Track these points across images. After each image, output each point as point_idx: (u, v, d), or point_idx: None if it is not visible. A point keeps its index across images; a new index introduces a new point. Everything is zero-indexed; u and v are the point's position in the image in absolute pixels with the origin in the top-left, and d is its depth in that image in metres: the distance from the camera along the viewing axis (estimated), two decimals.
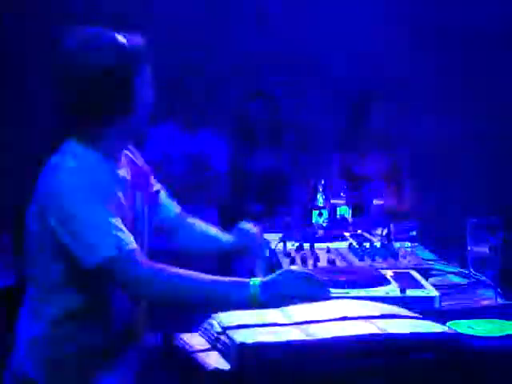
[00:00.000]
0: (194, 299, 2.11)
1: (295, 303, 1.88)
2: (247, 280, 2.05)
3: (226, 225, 4.52)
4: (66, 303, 2.19)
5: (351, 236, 3.00)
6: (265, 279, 2.03)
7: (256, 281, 2.02)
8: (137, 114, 2.23)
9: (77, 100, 2.20)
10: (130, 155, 2.37)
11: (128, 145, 2.33)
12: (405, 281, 2.17)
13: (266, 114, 4.68)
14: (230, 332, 1.59)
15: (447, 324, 1.82)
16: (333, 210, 3.27)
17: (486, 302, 2.17)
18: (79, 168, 2.16)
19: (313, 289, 1.99)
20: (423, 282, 2.19)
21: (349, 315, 1.70)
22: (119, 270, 2.08)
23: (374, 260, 2.50)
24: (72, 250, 2.09)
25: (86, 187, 2.13)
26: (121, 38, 2.21)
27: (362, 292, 2.03)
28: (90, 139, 2.21)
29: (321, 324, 1.65)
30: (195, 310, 2.29)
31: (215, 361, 1.56)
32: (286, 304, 1.86)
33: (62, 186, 2.12)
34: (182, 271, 2.10)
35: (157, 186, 2.51)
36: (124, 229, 2.12)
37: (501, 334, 1.81)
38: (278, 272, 2.06)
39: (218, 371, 1.52)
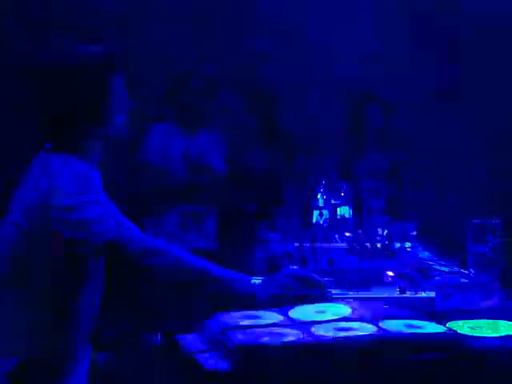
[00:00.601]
0: (192, 279, 2.14)
1: (295, 304, 1.89)
2: (249, 278, 2.06)
3: (226, 226, 4.53)
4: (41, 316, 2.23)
5: (351, 236, 3.00)
6: (265, 280, 2.04)
7: (257, 280, 2.03)
8: (113, 124, 2.28)
9: (51, 113, 2.26)
10: None
11: (103, 151, 2.37)
12: (405, 281, 2.17)
13: (266, 115, 4.68)
14: (229, 333, 1.59)
15: (447, 324, 1.81)
16: (333, 210, 3.26)
17: (486, 303, 2.17)
18: (71, 166, 2.21)
19: (313, 290, 2.00)
20: (424, 282, 2.19)
21: (349, 316, 1.70)
22: (123, 246, 2.14)
23: (374, 260, 2.50)
24: (77, 237, 2.14)
25: (80, 180, 2.19)
26: (94, 52, 2.26)
27: (363, 292, 2.03)
28: (67, 148, 2.25)
29: (321, 325, 1.65)
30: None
31: (215, 361, 1.56)
32: (286, 304, 1.87)
33: (57, 183, 2.17)
34: (185, 252, 2.14)
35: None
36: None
37: (501, 335, 1.81)
38: (278, 273, 2.07)
39: (217, 372, 1.52)
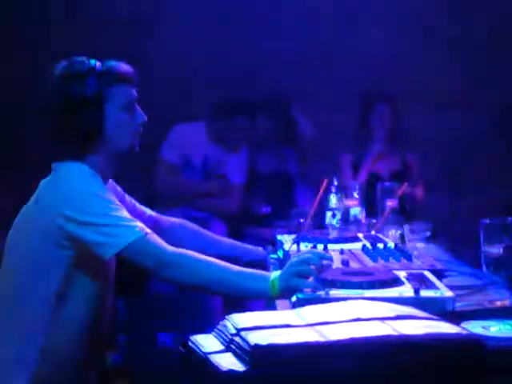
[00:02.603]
0: (213, 287, 2.19)
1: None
2: (267, 273, 2.17)
3: (237, 228, 4.52)
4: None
5: (364, 237, 2.99)
6: (280, 272, 2.13)
7: (275, 274, 2.12)
8: (111, 136, 2.31)
9: (52, 127, 2.34)
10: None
11: (114, 166, 2.40)
12: (419, 282, 2.16)
13: (277, 120, 4.65)
14: (244, 333, 1.59)
15: (461, 325, 1.81)
16: (346, 210, 3.26)
17: (500, 303, 2.16)
18: (86, 175, 2.28)
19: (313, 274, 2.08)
20: (437, 282, 2.18)
21: (363, 316, 1.70)
22: (144, 252, 2.17)
23: (387, 261, 2.50)
24: (93, 244, 2.17)
25: (97, 188, 2.25)
26: (91, 66, 2.30)
27: (376, 293, 2.03)
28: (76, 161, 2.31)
29: (335, 325, 1.65)
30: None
31: (229, 362, 1.56)
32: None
33: (74, 190, 2.23)
34: (203, 257, 2.16)
35: (131, 200, 2.62)
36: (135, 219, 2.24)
37: None
38: (288, 264, 2.15)
39: (232, 373, 1.52)
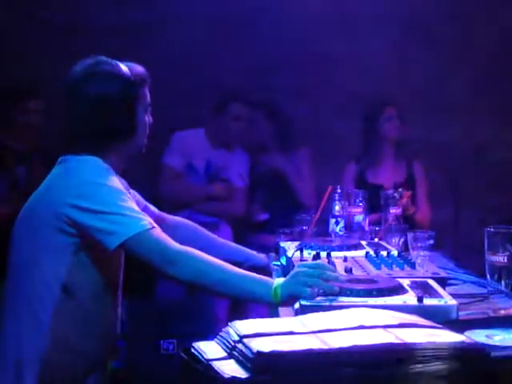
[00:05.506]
0: (216, 287, 2.18)
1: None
2: (270, 280, 2.16)
3: (241, 235, 4.52)
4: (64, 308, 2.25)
5: (368, 245, 2.99)
6: (283, 280, 2.12)
7: (278, 282, 2.11)
8: (137, 136, 2.36)
9: (79, 125, 2.31)
10: None
11: (124, 164, 2.42)
12: (422, 290, 2.16)
13: (275, 125, 4.64)
14: (246, 340, 1.59)
15: (465, 333, 1.80)
16: (349, 218, 3.26)
17: (504, 312, 2.16)
18: (98, 166, 2.30)
19: (323, 286, 2.05)
20: (441, 291, 2.18)
21: (366, 324, 1.69)
22: (149, 246, 2.16)
23: (391, 269, 2.49)
24: (99, 231, 2.18)
25: (109, 179, 2.26)
26: (122, 67, 2.33)
27: (380, 301, 2.02)
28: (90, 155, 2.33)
29: (338, 333, 1.64)
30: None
31: (232, 369, 1.55)
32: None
33: (84, 179, 2.25)
34: (209, 257, 2.15)
35: (135, 194, 2.61)
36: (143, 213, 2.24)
37: None
38: (292, 272, 2.13)
39: (234, 380, 1.51)
